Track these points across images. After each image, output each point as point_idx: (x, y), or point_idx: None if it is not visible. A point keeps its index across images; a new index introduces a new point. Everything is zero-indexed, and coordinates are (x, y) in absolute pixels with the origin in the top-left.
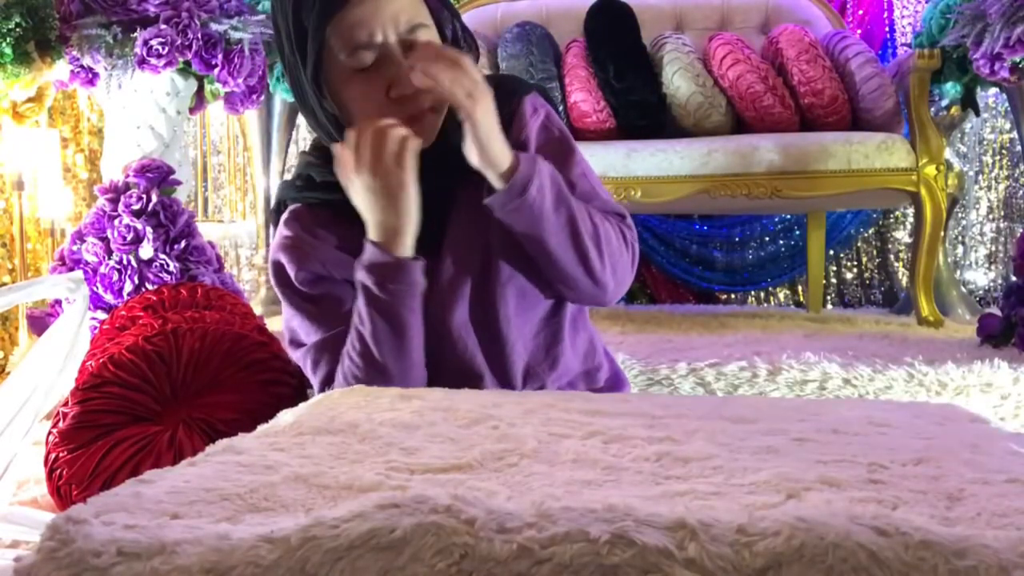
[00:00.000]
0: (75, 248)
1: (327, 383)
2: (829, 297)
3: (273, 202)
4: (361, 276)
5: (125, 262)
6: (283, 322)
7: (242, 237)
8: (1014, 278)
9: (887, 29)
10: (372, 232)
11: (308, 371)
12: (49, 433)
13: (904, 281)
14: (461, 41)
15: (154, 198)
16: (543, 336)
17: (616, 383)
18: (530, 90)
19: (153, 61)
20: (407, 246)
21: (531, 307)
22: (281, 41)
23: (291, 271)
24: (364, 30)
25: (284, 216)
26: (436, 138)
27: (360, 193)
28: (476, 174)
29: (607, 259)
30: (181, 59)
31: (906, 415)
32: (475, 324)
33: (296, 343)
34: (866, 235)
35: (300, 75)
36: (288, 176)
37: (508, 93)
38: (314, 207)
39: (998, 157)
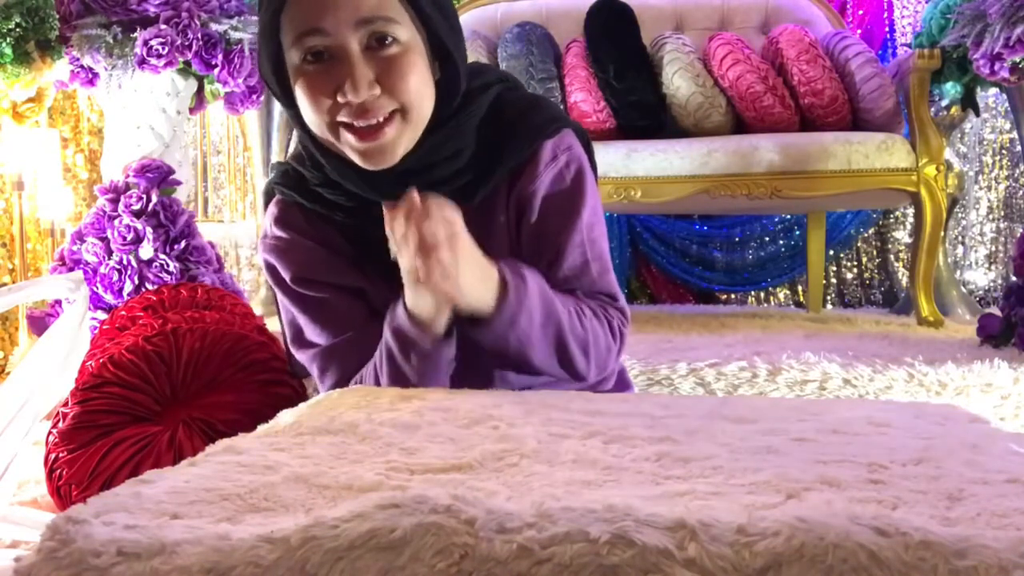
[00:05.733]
0: (75, 248)
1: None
2: (829, 297)
3: (266, 183)
4: (388, 336)
5: (125, 262)
6: (282, 317)
7: (242, 237)
8: (1014, 278)
9: (887, 29)
10: (409, 299)
11: (315, 375)
12: (49, 433)
13: (904, 281)
14: (446, 52)
15: (154, 198)
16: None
17: (621, 388)
18: (557, 130)
19: (153, 61)
20: (441, 325)
21: None
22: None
23: (285, 274)
24: (312, 16)
25: (274, 211)
26: (416, 149)
27: (403, 270)
28: (478, 192)
29: (592, 360)
30: (181, 59)
31: (906, 415)
32: (466, 363)
33: (301, 342)
34: (866, 235)
35: (264, 68)
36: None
37: (530, 135)
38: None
39: (998, 157)
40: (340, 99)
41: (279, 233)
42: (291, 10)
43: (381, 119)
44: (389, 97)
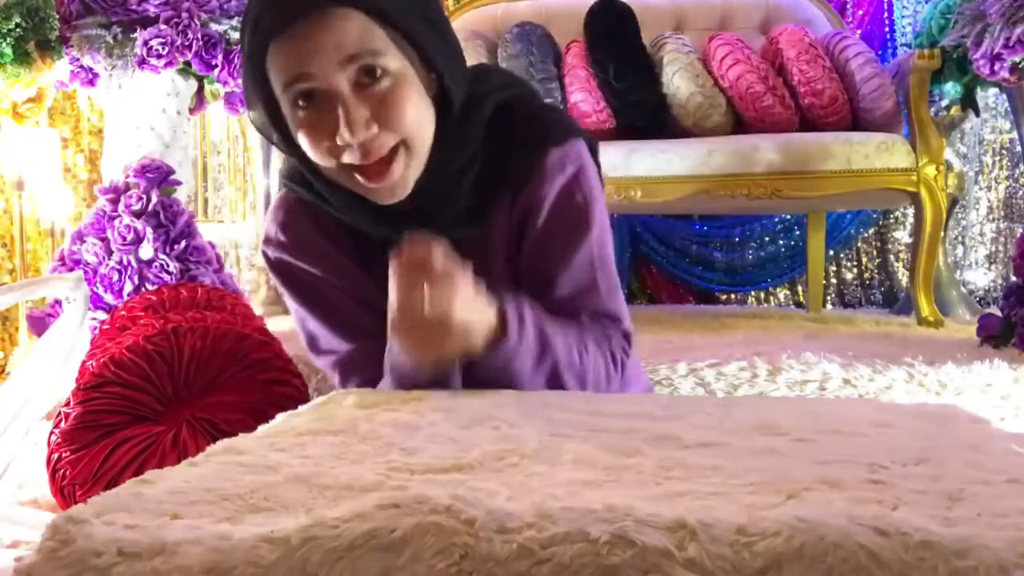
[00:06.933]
0: (75, 248)
1: None
2: (829, 297)
3: (280, 182)
4: (387, 370)
5: (125, 262)
6: (296, 320)
7: (242, 237)
8: (1014, 278)
9: (887, 29)
10: (402, 352)
11: (336, 382)
12: (51, 433)
13: (904, 281)
14: (441, 81)
15: (154, 198)
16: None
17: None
18: (564, 139)
19: (153, 61)
20: (437, 368)
21: None
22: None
23: (301, 271)
24: (296, 61)
25: (281, 218)
26: (423, 181)
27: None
28: (485, 215)
29: (590, 390)
30: (181, 59)
31: (906, 415)
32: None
33: (317, 349)
34: (866, 235)
35: (259, 120)
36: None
37: (535, 142)
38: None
39: (998, 157)
40: (339, 142)
41: (283, 238)
42: (275, 59)
43: (385, 154)
44: (388, 132)
